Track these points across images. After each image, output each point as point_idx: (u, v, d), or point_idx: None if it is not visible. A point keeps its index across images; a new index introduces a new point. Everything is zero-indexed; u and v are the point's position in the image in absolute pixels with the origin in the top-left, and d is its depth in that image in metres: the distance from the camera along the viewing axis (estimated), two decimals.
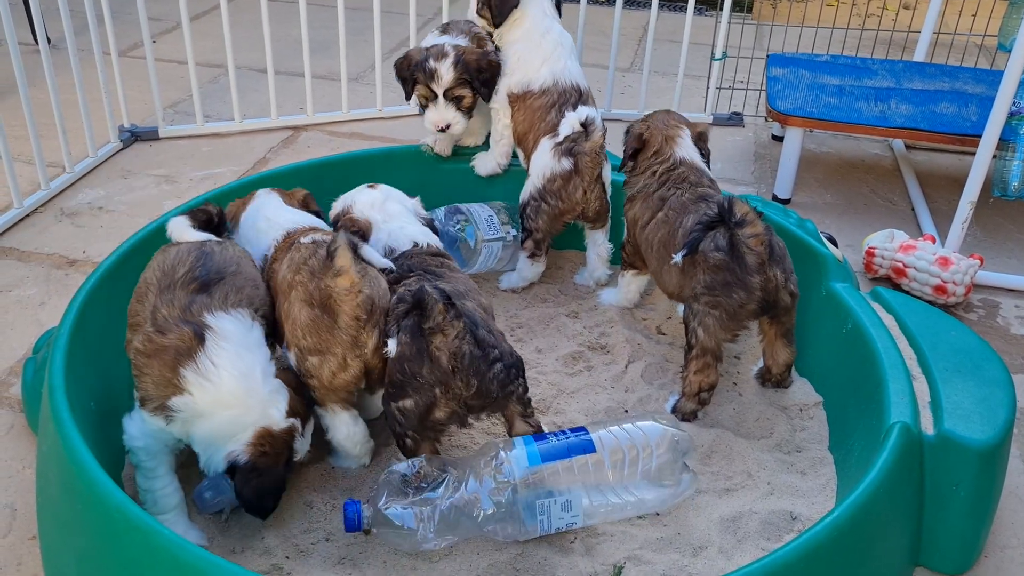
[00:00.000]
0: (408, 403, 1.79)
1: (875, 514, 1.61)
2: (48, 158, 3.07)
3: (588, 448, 1.80)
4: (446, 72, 2.51)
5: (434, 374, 1.77)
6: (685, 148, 2.34)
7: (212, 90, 3.97)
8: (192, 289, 1.78)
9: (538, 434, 1.86)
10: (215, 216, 2.05)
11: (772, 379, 2.23)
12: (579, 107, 2.46)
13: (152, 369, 1.71)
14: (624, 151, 2.42)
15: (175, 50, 4.23)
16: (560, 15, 2.72)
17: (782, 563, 1.45)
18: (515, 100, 2.60)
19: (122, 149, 3.41)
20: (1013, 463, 2.07)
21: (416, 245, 2.10)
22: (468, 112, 2.59)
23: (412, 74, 2.55)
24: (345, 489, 1.91)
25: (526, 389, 1.89)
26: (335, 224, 2.20)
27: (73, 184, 3.14)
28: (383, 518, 1.70)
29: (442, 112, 2.56)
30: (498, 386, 1.81)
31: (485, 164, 2.73)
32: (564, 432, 1.84)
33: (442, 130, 2.59)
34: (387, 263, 1.97)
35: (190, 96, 3.61)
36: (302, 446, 1.81)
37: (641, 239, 2.30)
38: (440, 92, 2.53)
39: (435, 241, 2.15)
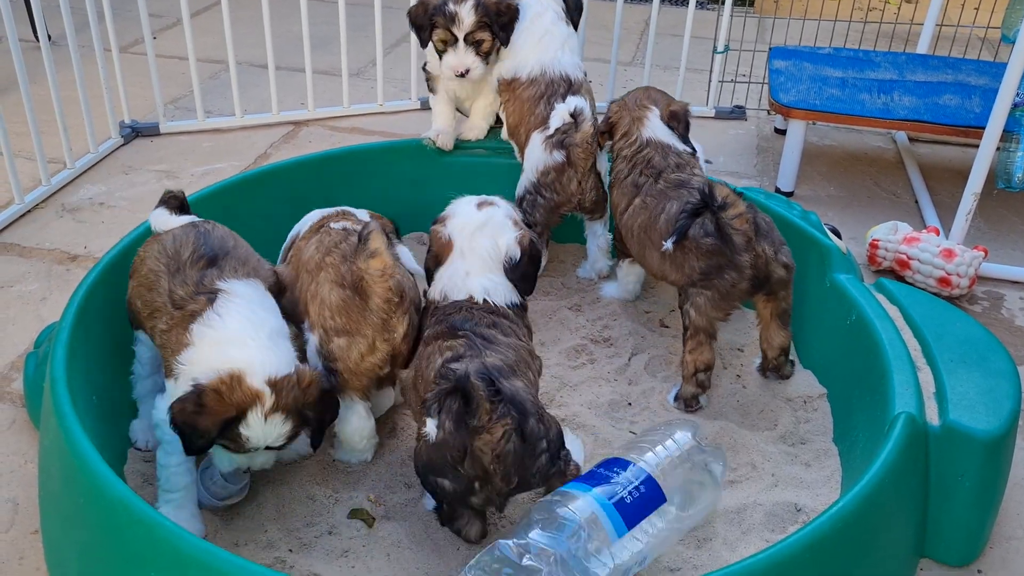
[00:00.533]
0: (445, 483, 1.67)
1: (880, 505, 1.61)
2: (49, 154, 3.06)
3: (659, 500, 1.68)
4: (467, 15, 2.48)
5: (474, 469, 1.63)
6: (652, 128, 2.35)
7: (213, 86, 3.97)
8: (201, 266, 1.82)
9: (589, 477, 1.69)
10: (183, 200, 2.06)
11: (769, 364, 2.22)
12: (568, 98, 2.45)
13: (172, 339, 1.74)
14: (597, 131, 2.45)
15: (176, 46, 4.22)
16: (576, 25, 2.70)
17: (787, 555, 1.45)
18: (505, 87, 2.59)
19: (123, 145, 3.40)
20: (1019, 454, 2.06)
21: (471, 299, 1.88)
22: (486, 58, 2.56)
23: (431, 19, 2.52)
24: (347, 483, 1.91)
25: (568, 461, 1.72)
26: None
27: (74, 180, 3.14)
28: None
29: (462, 56, 2.53)
30: (540, 477, 1.67)
31: (471, 129, 2.76)
32: (614, 470, 1.68)
33: (462, 75, 2.56)
34: (415, 267, 1.97)
35: (191, 92, 3.60)
36: (299, 447, 1.81)
37: (622, 225, 2.33)
38: (461, 36, 2.51)
39: (499, 296, 1.89)
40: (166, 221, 1.96)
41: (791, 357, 2.24)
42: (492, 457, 1.60)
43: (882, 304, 2.09)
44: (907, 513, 1.73)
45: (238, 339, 1.68)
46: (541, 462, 1.65)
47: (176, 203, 2.01)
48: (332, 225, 1.99)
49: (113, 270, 2.08)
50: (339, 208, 2.16)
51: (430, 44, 2.58)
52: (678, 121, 2.38)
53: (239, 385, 1.62)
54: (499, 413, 1.58)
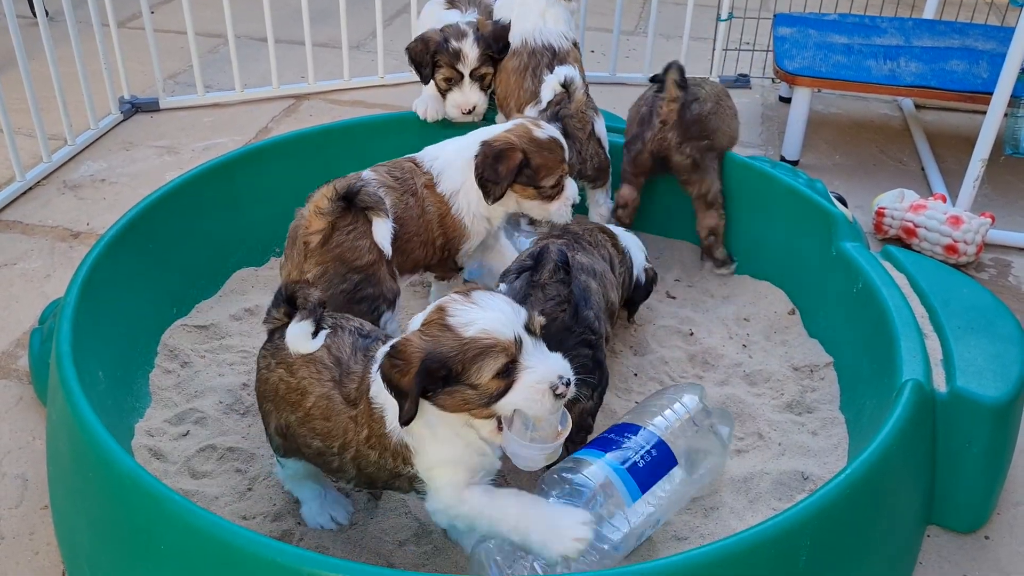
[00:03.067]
0: None
1: (887, 473, 1.60)
2: (49, 131, 3.05)
3: (671, 463, 1.70)
4: (471, 51, 2.48)
5: None
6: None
7: (212, 60, 3.94)
8: (361, 355, 1.59)
9: (600, 443, 1.72)
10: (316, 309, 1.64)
11: (703, 247, 2.53)
12: (557, 69, 2.41)
13: (367, 433, 1.55)
14: None
15: (174, 20, 4.19)
16: None
17: (794, 523, 1.45)
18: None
19: (123, 121, 3.38)
20: None
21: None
22: (487, 89, 2.57)
23: (434, 57, 2.51)
24: None
25: (597, 405, 1.80)
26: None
27: (75, 156, 3.12)
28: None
29: (468, 94, 2.54)
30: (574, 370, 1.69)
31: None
32: (625, 435, 1.71)
33: (468, 112, 2.56)
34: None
35: (190, 67, 3.58)
36: None
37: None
38: (467, 72, 2.50)
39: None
40: (315, 342, 1.60)
41: (729, 256, 2.51)
42: (539, 313, 1.65)
43: (889, 272, 2.07)
44: (914, 480, 1.73)
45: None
46: (579, 354, 1.72)
47: (314, 317, 1.61)
48: None
49: (116, 246, 2.08)
50: None
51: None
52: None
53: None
54: (559, 278, 1.71)
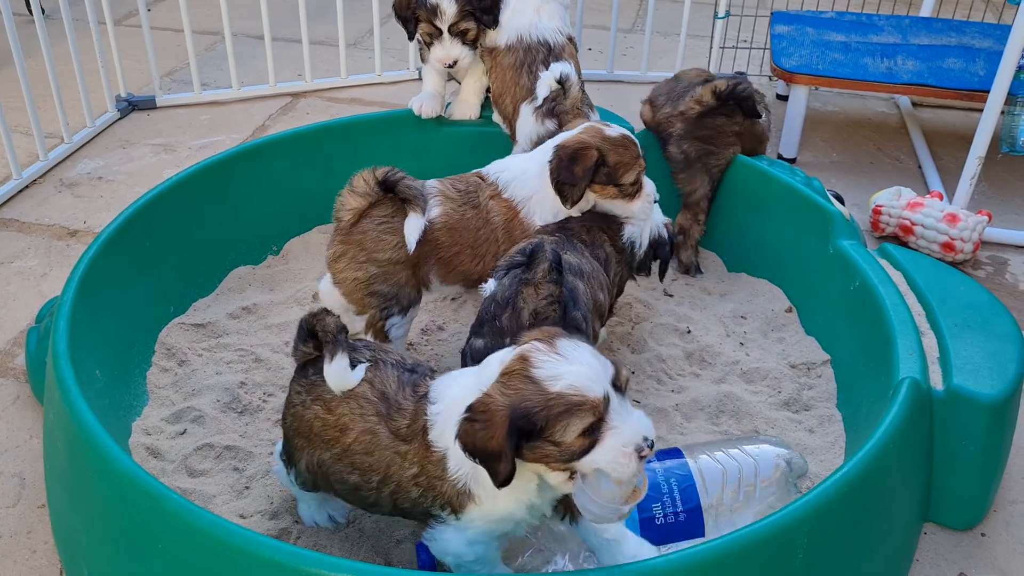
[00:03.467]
0: (479, 344, 1.75)
1: (885, 470, 1.61)
2: (46, 129, 3.04)
3: (695, 533, 1.64)
4: (448, 7, 2.45)
5: (511, 324, 1.72)
6: None
7: (209, 58, 3.93)
8: (409, 389, 1.54)
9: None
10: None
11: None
12: (552, 65, 2.41)
13: (425, 472, 1.49)
14: None
15: (171, 18, 4.18)
16: None
17: (791, 520, 1.45)
18: (487, 56, 2.57)
19: (120, 119, 3.38)
20: (1022, 418, 2.06)
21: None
22: (474, 44, 2.54)
23: (413, 12, 2.49)
24: None
25: None
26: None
27: (72, 155, 3.12)
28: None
29: (447, 48, 2.51)
30: None
31: (463, 106, 2.72)
32: (667, 481, 1.68)
33: (450, 66, 2.54)
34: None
35: (187, 64, 3.57)
36: None
37: None
38: (445, 28, 2.48)
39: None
40: (355, 375, 1.55)
41: (697, 265, 2.55)
42: (530, 312, 1.69)
43: (886, 270, 2.08)
44: (911, 478, 1.73)
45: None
46: None
47: (342, 349, 1.54)
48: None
49: (113, 244, 2.08)
50: None
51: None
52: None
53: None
54: (552, 279, 1.71)
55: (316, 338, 1.56)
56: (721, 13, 3.61)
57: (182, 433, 1.94)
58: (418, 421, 1.47)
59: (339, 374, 1.52)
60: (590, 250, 1.99)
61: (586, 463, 1.34)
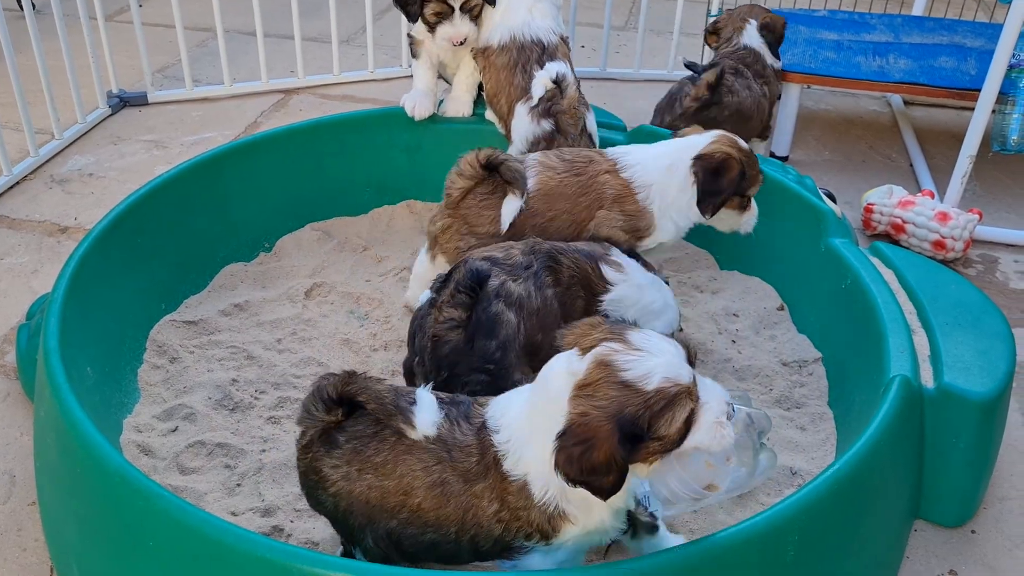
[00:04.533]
0: (407, 353, 1.78)
1: (875, 467, 1.61)
2: (37, 125, 3.03)
3: None
4: None
5: (419, 341, 1.74)
6: (749, 36, 2.93)
7: (201, 54, 3.92)
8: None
9: None
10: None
11: None
12: (546, 64, 2.40)
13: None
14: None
15: (162, 14, 4.16)
16: None
17: (783, 518, 1.45)
18: (480, 56, 2.56)
19: (111, 115, 3.36)
20: (1012, 416, 2.07)
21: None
22: (477, 20, 2.52)
23: None
24: None
25: None
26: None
27: (63, 151, 3.11)
28: None
29: (458, 26, 2.48)
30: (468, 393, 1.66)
31: (455, 103, 2.71)
32: None
33: (459, 44, 2.51)
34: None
35: (179, 60, 3.56)
36: None
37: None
38: (457, 5, 2.45)
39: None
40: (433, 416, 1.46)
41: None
42: (429, 335, 1.70)
43: (877, 268, 2.08)
44: (902, 475, 1.74)
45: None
46: (473, 379, 1.70)
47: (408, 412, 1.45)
48: None
49: (104, 241, 2.07)
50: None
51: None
52: (770, 31, 2.91)
53: None
54: (457, 302, 1.68)
55: (343, 404, 1.44)
56: (714, 11, 3.62)
57: (173, 430, 1.94)
58: (487, 455, 1.40)
59: (430, 423, 1.42)
60: (560, 290, 1.85)
61: (686, 446, 1.34)
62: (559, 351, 1.38)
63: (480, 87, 2.69)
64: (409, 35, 2.71)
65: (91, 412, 1.60)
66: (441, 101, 2.75)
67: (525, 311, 1.77)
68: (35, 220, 2.73)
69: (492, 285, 1.75)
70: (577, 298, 1.88)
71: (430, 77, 2.69)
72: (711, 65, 2.79)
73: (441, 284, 1.75)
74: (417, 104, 2.66)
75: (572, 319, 1.78)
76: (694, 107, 2.69)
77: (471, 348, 1.70)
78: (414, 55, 2.70)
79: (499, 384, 1.71)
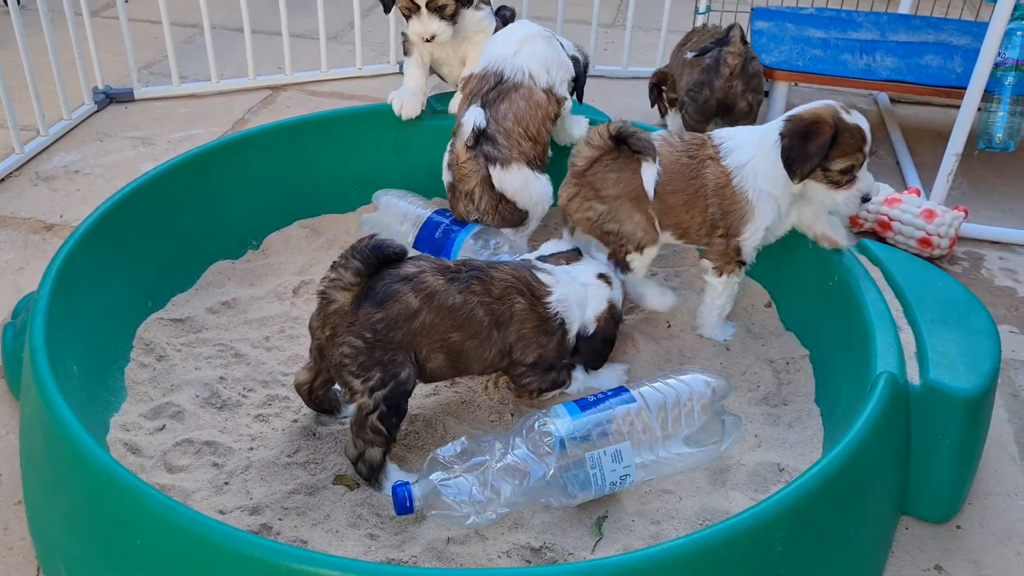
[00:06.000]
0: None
1: (862, 464, 1.62)
2: (21, 121, 3.01)
3: (629, 400, 1.79)
4: None
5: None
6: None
7: (188, 50, 3.90)
8: None
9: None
10: None
11: None
12: (472, 107, 2.33)
13: None
14: None
15: (148, 10, 4.14)
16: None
17: (770, 514, 1.46)
18: (462, 84, 2.50)
19: (97, 111, 3.35)
20: (997, 412, 2.09)
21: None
22: (452, 20, 2.50)
23: None
24: (332, 449, 1.91)
25: (376, 405, 1.76)
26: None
27: (48, 147, 3.09)
28: (435, 494, 1.64)
29: (425, 23, 2.48)
30: (336, 364, 1.76)
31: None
32: (603, 394, 1.84)
33: (428, 40, 2.51)
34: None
35: (165, 57, 3.54)
36: None
37: (673, 69, 3.12)
38: (423, 3, 2.45)
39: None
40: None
41: None
42: (321, 291, 1.75)
43: (864, 265, 2.09)
44: (888, 471, 1.75)
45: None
46: (348, 341, 1.73)
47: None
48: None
49: (90, 238, 2.06)
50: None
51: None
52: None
53: None
54: (349, 266, 1.71)
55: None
56: (702, 8, 3.63)
57: (161, 429, 1.93)
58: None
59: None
60: (487, 301, 1.86)
61: None
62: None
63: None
64: (403, 33, 2.70)
65: (78, 410, 1.59)
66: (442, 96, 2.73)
67: (435, 303, 1.78)
68: (20, 217, 2.72)
69: (407, 271, 1.78)
70: (515, 304, 1.89)
71: (420, 76, 2.68)
72: (717, 41, 2.86)
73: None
74: (405, 103, 2.64)
75: (510, 326, 1.89)
76: (740, 62, 2.80)
77: (355, 311, 1.73)
78: (406, 52, 2.70)
79: (375, 357, 1.73)
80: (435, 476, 1.67)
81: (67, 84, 3.17)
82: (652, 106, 3.35)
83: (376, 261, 1.74)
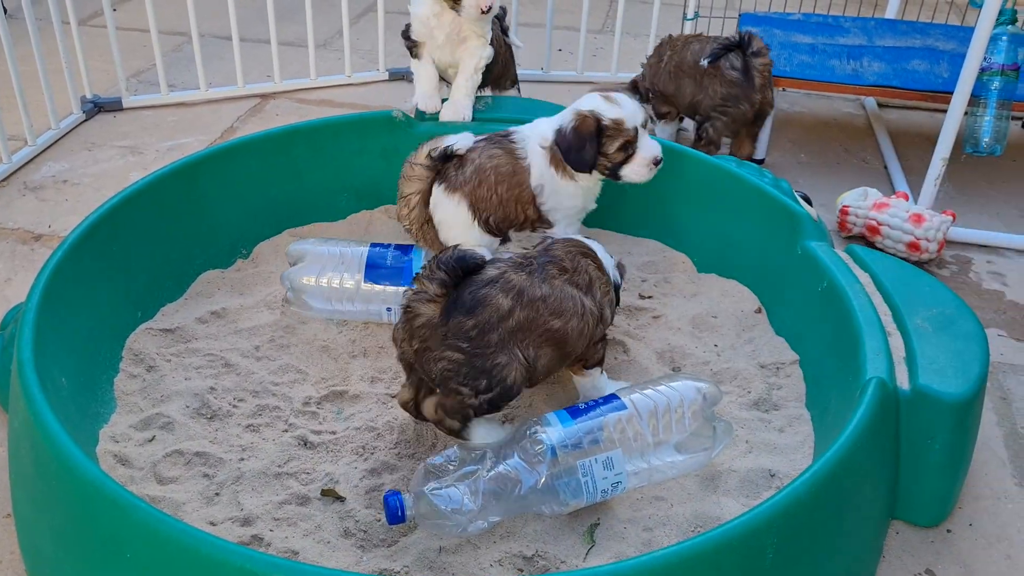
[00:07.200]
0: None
1: (852, 469, 1.63)
2: (9, 131, 2.99)
3: (620, 408, 1.78)
4: None
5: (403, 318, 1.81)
6: None
7: (176, 59, 3.89)
8: None
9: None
10: None
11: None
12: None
13: None
14: None
15: (137, 18, 4.13)
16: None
17: (762, 519, 1.46)
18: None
19: (85, 121, 3.34)
20: (986, 415, 2.10)
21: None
22: None
23: None
24: (323, 460, 1.90)
25: (482, 405, 1.80)
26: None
27: (36, 157, 3.07)
28: (427, 503, 1.64)
29: None
30: (439, 377, 1.78)
31: (454, 108, 2.69)
32: (594, 401, 1.83)
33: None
34: None
35: (153, 65, 3.53)
36: None
37: (658, 82, 3.10)
38: None
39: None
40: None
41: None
42: (405, 305, 1.78)
43: (853, 270, 2.10)
44: (879, 476, 1.75)
45: None
46: (446, 356, 1.75)
47: None
48: None
49: (79, 248, 2.05)
50: None
51: (424, 3, 2.55)
52: None
53: None
54: (435, 277, 1.74)
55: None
56: (690, 14, 3.64)
57: (151, 440, 1.92)
58: None
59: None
60: (568, 276, 1.88)
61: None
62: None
63: (480, 88, 2.70)
64: (408, 37, 2.68)
65: (66, 423, 1.58)
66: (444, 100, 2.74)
67: (526, 298, 1.80)
68: (8, 228, 2.70)
69: (490, 274, 1.79)
70: (588, 267, 1.94)
71: (433, 76, 2.70)
72: (721, 48, 2.91)
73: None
74: (425, 98, 2.69)
75: (592, 287, 1.92)
76: (770, 63, 2.92)
77: (445, 322, 1.74)
78: (415, 56, 2.69)
79: (477, 366, 1.75)
80: (427, 486, 1.67)
81: (55, 93, 3.16)
82: None
83: (461, 272, 1.76)
